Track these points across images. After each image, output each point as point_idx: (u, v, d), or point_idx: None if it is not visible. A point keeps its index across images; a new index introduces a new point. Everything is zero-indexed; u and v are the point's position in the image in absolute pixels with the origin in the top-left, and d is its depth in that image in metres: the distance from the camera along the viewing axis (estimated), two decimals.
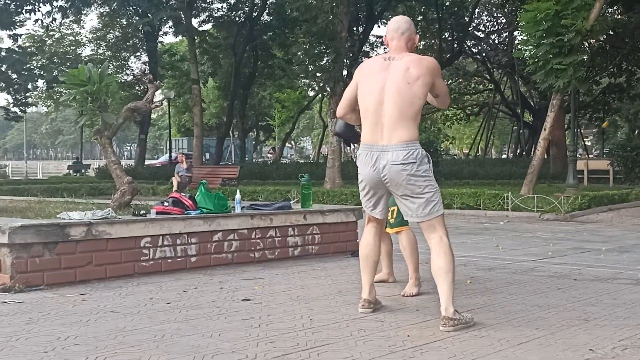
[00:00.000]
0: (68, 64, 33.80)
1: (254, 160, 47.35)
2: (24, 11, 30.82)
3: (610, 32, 24.79)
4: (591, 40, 19.78)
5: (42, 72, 34.03)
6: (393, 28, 4.27)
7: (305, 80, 39.89)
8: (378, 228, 4.36)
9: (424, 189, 4.02)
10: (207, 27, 35.03)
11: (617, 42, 27.45)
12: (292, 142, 78.52)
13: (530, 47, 17.03)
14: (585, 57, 17.30)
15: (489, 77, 39.38)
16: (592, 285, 5.39)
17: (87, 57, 35.98)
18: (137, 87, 36.32)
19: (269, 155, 38.40)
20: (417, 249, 5.07)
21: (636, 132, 28.94)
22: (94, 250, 5.46)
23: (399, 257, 5.48)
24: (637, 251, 7.74)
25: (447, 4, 32.45)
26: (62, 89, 32.50)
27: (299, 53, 23.13)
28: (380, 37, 38.27)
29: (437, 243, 4.01)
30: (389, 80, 4.06)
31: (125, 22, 35.38)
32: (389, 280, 5.44)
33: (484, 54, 37.11)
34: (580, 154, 37.25)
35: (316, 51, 21.90)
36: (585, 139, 48.56)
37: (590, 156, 41.21)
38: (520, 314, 4.25)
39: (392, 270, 5.47)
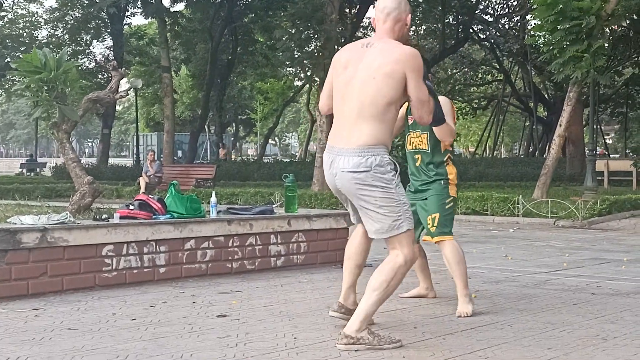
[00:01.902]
0: (23, 48, 33.62)
1: (232, 159, 47.28)
2: None
3: (635, 17, 24.92)
4: (613, 26, 19.88)
5: None
6: (379, 7, 4.09)
7: (290, 68, 39.89)
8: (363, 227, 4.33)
9: (381, 202, 3.88)
10: (180, 7, 34.99)
11: None
12: (276, 138, 78.56)
13: (544, 33, 17.09)
14: (605, 45, 17.39)
15: (498, 67, 39.47)
16: (612, 300, 5.42)
17: (43, 40, 35.81)
18: (100, 75, 36.19)
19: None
20: (463, 261, 4.95)
21: None
22: (49, 260, 5.44)
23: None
24: None
25: None
26: (14, 77, 32.44)
27: (284, 38, 23.10)
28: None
29: (389, 258, 3.93)
30: (358, 72, 3.95)
31: (87, 1, 35.24)
32: (428, 296, 5.43)
33: (492, 41, 37.21)
34: (598, 153, 37.46)
35: (303, 36, 21.90)
36: (605, 137, 48.84)
37: (611, 156, 41.44)
38: (531, 332, 4.28)
39: (431, 284, 5.46)
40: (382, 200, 3.88)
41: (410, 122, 5.11)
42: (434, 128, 4.69)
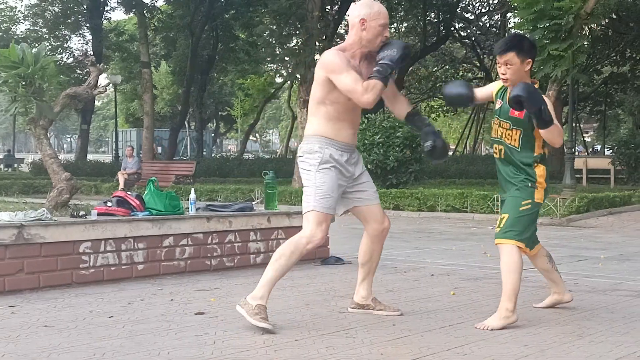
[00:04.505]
0: (0, 43, 33.31)
1: (212, 155, 47.16)
2: None
3: (613, 16, 25.16)
4: (592, 25, 20.03)
5: None
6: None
7: (271, 65, 39.81)
8: (365, 227, 4.67)
9: (305, 183, 4.45)
10: (160, 2, 34.85)
11: (620, 27, 27.87)
12: (257, 135, 78.45)
13: (524, 31, 17.21)
14: (585, 44, 17.52)
15: (478, 64, 39.69)
16: (589, 297, 5.48)
17: (22, 35, 35.49)
18: (78, 71, 35.94)
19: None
20: (516, 272, 4.41)
21: None
22: (26, 256, 5.40)
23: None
24: (639, 260, 7.88)
25: None
26: None
27: (265, 34, 23.10)
28: None
29: (293, 237, 4.42)
30: None
31: None
32: (564, 300, 4.97)
33: (473, 38, 37.40)
34: (579, 152, 37.76)
35: (284, 32, 21.91)
36: (584, 135, 49.21)
37: (589, 154, 41.78)
38: (508, 330, 4.30)
39: (562, 288, 4.95)
40: (305, 182, 4.44)
41: (497, 106, 4.61)
42: (541, 131, 4.35)
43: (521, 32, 17.58)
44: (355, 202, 4.58)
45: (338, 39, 25.88)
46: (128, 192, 6.51)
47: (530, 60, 4.43)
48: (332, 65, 4.31)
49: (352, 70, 4.27)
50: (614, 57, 30.49)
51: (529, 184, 4.46)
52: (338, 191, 4.41)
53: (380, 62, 4.32)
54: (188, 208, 6.60)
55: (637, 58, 30.77)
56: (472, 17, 37.60)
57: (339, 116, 4.40)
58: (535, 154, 4.49)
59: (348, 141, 4.45)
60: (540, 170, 4.49)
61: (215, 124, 56.27)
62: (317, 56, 21.06)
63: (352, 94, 4.27)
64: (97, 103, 52.80)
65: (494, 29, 36.31)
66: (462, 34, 37.87)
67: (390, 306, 4.79)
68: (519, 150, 4.48)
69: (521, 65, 4.40)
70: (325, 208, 4.34)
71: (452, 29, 35.46)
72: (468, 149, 45.05)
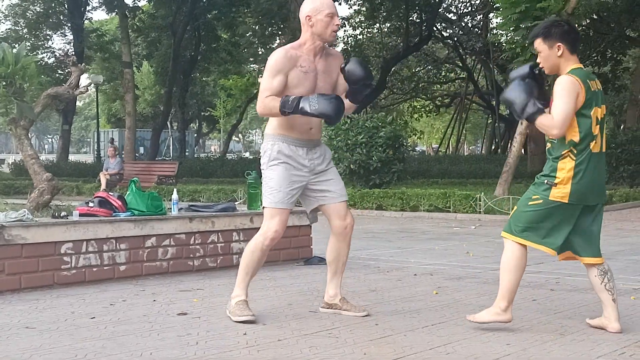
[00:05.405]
0: None
1: (195, 156, 47.02)
2: None
3: (594, 16, 25.32)
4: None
5: None
6: None
7: (254, 65, 39.78)
8: (330, 225, 4.71)
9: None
10: (142, 2, 34.67)
11: (601, 28, 28.04)
12: (240, 135, 78.32)
13: (506, 32, 17.28)
14: None
15: (461, 65, 39.84)
16: (570, 296, 5.51)
17: (2, 35, 35.20)
18: (59, 71, 35.70)
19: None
20: (514, 271, 4.34)
21: (622, 127, 29.65)
22: (7, 258, 5.37)
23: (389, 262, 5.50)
24: (620, 258, 7.94)
25: None
26: None
27: (248, 34, 23.08)
28: (340, 17, 38.30)
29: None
30: None
31: None
32: (607, 328, 4.28)
33: (455, 39, 37.52)
34: None
35: (267, 32, 21.94)
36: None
37: None
38: (490, 329, 4.32)
39: (610, 313, 4.28)
40: (263, 178, 4.65)
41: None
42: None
43: (503, 32, 17.67)
44: (320, 201, 4.64)
45: None
46: (110, 193, 6.48)
47: (560, 44, 4.18)
48: (269, 63, 4.49)
49: (278, 78, 4.40)
50: (595, 58, 30.68)
51: (545, 180, 4.20)
52: (290, 185, 4.50)
53: (303, 98, 4.31)
54: (170, 208, 6.58)
55: (618, 58, 31.01)
56: (455, 18, 37.73)
57: None
58: (565, 145, 4.14)
59: (302, 136, 4.55)
60: (564, 164, 4.14)
61: (197, 125, 56.11)
62: None
63: (258, 97, 4.51)
64: (78, 103, 52.51)
65: (476, 30, 36.45)
66: (445, 34, 38.00)
67: (357, 306, 4.76)
68: (555, 142, 4.19)
69: (550, 50, 4.20)
70: (273, 202, 4.48)
71: (435, 29, 35.58)
72: (451, 149, 45.21)
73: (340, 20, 4.82)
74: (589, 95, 4.11)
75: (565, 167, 4.13)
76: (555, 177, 4.16)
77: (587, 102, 4.10)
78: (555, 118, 4.07)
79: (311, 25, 4.47)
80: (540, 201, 4.21)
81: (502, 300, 4.28)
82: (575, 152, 4.12)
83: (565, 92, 4.06)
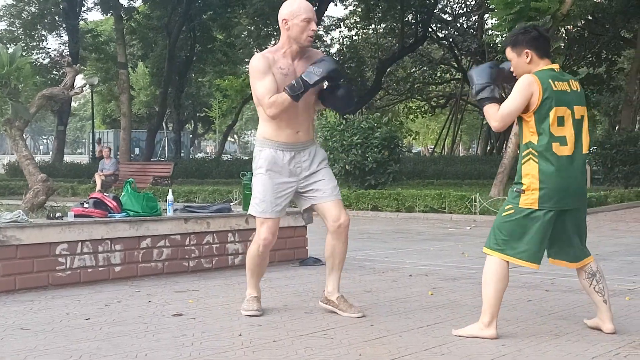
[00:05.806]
0: None
1: (190, 156, 46.96)
2: None
3: (589, 17, 25.38)
4: (568, 26, 20.21)
5: None
6: None
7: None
8: (325, 223, 4.75)
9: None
10: (138, 3, 34.63)
11: (596, 29, 28.13)
12: (235, 136, 78.28)
13: (502, 32, 17.29)
14: (561, 45, 17.67)
15: (456, 65, 39.84)
16: (565, 296, 5.52)
17: None
18: (55, 72, 35.65)
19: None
20: (489, 284, 4.12)
21: (617, 128, 29.70)
22: (1, 259, 5.36)
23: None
24: (615, 259, 7.96)
25: None
26: None
27: (243, 35, 23.07)
28: (335, 17, 38.36)
29: None
30: None
31: None
32: (602, 329, 4.26)
33: (451, 40, 37.54)
34: None
35: (262, 33, 21.92)
36: None
37: None
38: None
39: (604, 315, 4.23)
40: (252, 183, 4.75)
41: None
42: None
43: (498, 33, 17.69)
44: (312, 200, 4.68)
45: (316, 40, 25.91)
46: (105, 194, 6.48)
47: (528, 50, 4.14)
48: (252, 70, 4.53)
49: (267, 78, 4.43)
50: (590, 59, 30.76)
51: (515, 189, 4.11)
52: (274, 194, 4.58)
53: (302, 75, 4.44)
54: (166, 209, 6.58)
55: (613, 59, 31.08)
56: (450, 19, 37.76)
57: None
58: (523, 146, 4.09)
59: (289, 140, 4.58)
60: (528, 168, 4.04)
61: (193, 125, 55.99)
62: None
63: (260, 102, 4.48)
64: (73, 104, 52.41)
65: (472, 30, 36.49)
66: (440, 35, 38.02)
67: (352, 306, 4.72)
68: (520, 145, 4.16)
69: (519, 58, 4.18)
70: (258, 212, 4.63)
71: (430, 30, 35.61)
72: (446, 149, 45.24)
73: (317, 27, 4.88)
74: (547, 94, 4.00)
75: (530, 172, 4.03)
76: (521, 183, 4.07)
77: (545, 102, 4.00)
78: (499, 111, 4.08)
79: (287, 29, 4.51)
80: (512, 211, 4.10)
81: (484, 315, 4.12)
82: (536, 154, 4.02)
83: (517, 90, 4.04)
